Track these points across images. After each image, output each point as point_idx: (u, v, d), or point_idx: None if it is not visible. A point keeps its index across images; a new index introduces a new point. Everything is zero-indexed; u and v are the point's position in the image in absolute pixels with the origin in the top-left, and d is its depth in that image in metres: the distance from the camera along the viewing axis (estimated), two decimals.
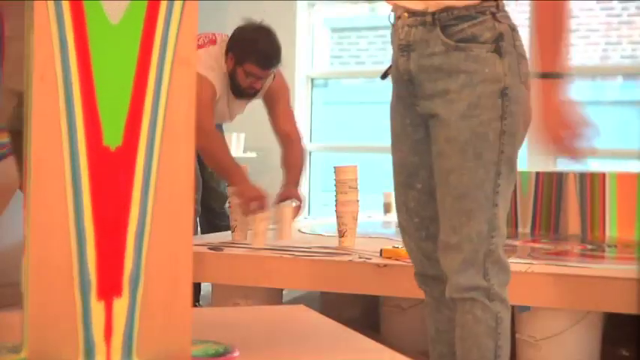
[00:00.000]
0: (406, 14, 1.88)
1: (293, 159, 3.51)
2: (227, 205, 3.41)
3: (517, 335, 2.71)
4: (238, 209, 3.19)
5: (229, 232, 3.31)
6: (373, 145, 5.96)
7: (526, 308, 2.65)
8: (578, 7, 6.26)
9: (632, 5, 6.05)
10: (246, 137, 5.57)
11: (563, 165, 1.89)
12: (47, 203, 1.04)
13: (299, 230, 3.74)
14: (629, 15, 6.28)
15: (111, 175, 1.06)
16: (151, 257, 1.08)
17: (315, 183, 6.19)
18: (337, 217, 3.10)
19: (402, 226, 2.05)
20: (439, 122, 1.86)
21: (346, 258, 2.81)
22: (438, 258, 1.95)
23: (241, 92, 3.41)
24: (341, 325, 1.41)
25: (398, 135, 1.99)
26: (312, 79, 6.20)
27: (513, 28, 1.86)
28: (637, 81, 6.55)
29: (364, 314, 3.36)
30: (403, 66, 1.90)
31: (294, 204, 3.27)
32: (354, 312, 3.32)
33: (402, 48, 1.89)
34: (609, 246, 3.43)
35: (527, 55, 1.89)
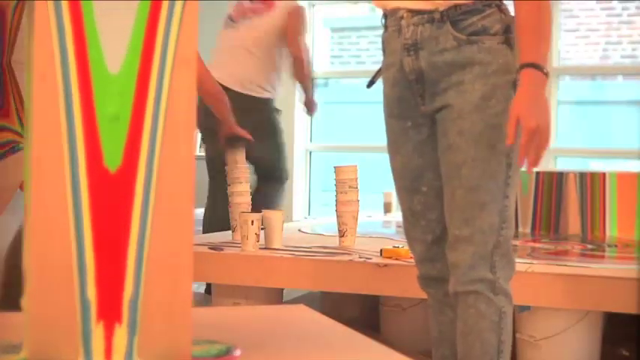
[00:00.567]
0: (410, 14, 1.88)
1: (299, 75, 4.17)
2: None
3: (517, 335, 2.71)
4: (238, 209, 3.19)
5: (229, 232, 3.31)
6: (373, 145, 5.96)
7: (526, 308, 2.65)
8: (578, 7, 6.26)
9: (632, 5, 6.05)
10: None
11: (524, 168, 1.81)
12: (47, 202, 1.04)
13: (299, 230, 3.74)
14: (629, 15, 6.28)
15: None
16: (152, 257, 1.08)
17: (315, 183, 6.19)
18: (337, 216, 3.10)
19: (407, 231, 2.03)
20: (451, 113, 1.85)
21: (346, 258, 2.81)
22: (442, 260, 1.94)
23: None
24: (341, 324, 1.41)
25: (397, 140, 1.98)
26: (312, 79, 6.19)
27: (513, 21, 1.86)
28: (637, 81, 6.55)
29: (364, 314, 3.36)
30: (410, 65, 1.88)
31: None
32: (354, 312, 3.32)
33: (408, 47, 1.88)
34: (609, 246, 3.43)
35: None
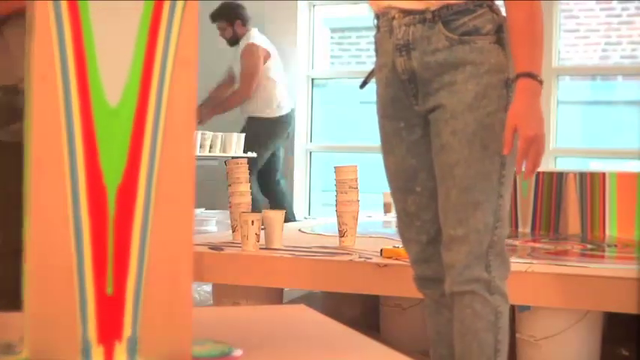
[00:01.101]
0: (401, 14, 1.88)
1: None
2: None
3: (517, 335, 2.71)
4: (238, 209, 3.19)
5: (230, 232, 3.31)
6: (373, 145, 5.95)
7: (526, 308, 2.65)
8: (577, 7, 6.26)
9: (631, 5, 6.05)
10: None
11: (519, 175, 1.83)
12: (47, 203, 1.04)
13: (299, 230, 3.74)
14: (628, 15, 6.29)
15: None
16: (152, 257, 1.08)
17: (315, 183, 6.19)
18: (337, 216, 3.10)
19: (401, 232, 2.03)
20: (444, 114, 1.85)
21: (346, 258, 2.81)
22: (438, 260, 1.94)
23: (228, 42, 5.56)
24: (341, 324, 1.41)
25: (390, 140, 1.98)
26: (312, 79, 6.20)
27: (505, 21, 1.87)
28: (637, 81, 6.55)
29: (364, 314, 3.37)
30: (403, 66, 1.89)
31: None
32: (354, 312, 3.32)
33: (400, 48, 1.88)
34: (609, 246, 3.44)
35: None
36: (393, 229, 3.90)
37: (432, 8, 1.84)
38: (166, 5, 1.08)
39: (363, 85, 2.06)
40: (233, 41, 5.53)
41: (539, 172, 3.90)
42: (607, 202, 3.72)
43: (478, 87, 1.82)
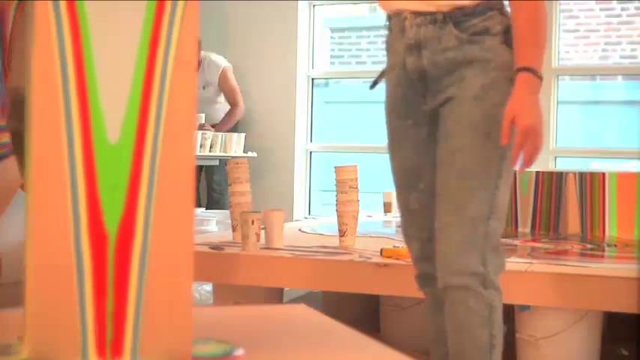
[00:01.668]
0: (413, 15, 1.90)
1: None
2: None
3: (517, 334, 2.72)
4: (238, 209, 3.20)
5: (230, 231, 3.32)
6: (373, 145, 5.96)
7: (526, 307, 2.65)
8: (577, 7, 6.26)
9: (631, 5, 6.06)
10: (246, 137, 5.58)
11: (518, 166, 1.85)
12: (48, 203, 1.04)
13: (299, 230, 3.74)
14: (628, 15, 6.29)
15: None
16: (152, 257, 1.08)
17: (315, 183, 6.19)
18: (338, 216, 3.10)
19: (404, 229, 2.05)
20: (452, 104, 1.88)
21: (346, 257, 2.82)
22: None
23: None
24: (341, 324, 1.42)
25: (397, 138, 2.00)
26: (313, 79, 6.20)
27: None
28: (636, 81, 6.55)
29: (364, 313, 3.37)
30: (413, 65, 1.91)
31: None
32: (354, 311, 3.32)
33: (411, 47, 1.91)
34: (609, 245, 3.44)
35: None
36: (393, 229, 3.90)
37: (444, 10, 1.87)
38: (168, 5, 1.08)
39: (374, 85, 2.09)
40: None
41: (538, 172, 3.91)
42: (607, 202, 3.72)
43: (486, 80, 1.86)
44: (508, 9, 1.91)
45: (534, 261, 2.78)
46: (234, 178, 3.25)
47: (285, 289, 3.17)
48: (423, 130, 1.96)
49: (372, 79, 2.10)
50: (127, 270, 1.07)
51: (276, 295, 3.08)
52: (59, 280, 1.04)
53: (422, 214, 1.98)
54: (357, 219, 3.11)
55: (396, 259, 2.73)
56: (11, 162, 2.50)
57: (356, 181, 3.11)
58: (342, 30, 7.62)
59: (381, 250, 2.84)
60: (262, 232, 3.06)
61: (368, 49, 7.59)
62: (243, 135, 5.50)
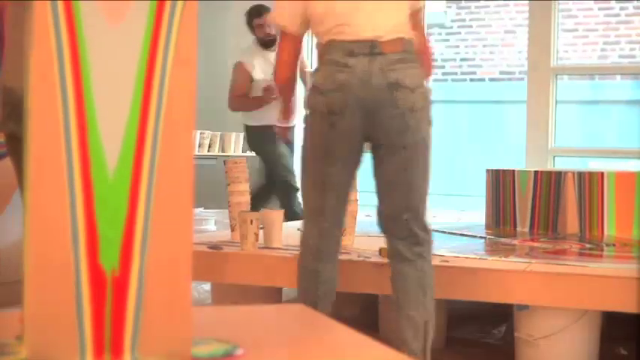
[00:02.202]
0: None
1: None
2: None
3: (515, 334, 2.72)
4: (237, 208, 3.20)
5: (229, 231, 3.32)
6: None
7: (525, 307, 2.66)
8: (576, 7, 6.27)
9: (630, 5, 6.06)
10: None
11: None
12: (46, 202, 1.04)
13: (298, 229, 3.74)
14: (627, 15, 6.29)
15: None
16: (152, 256, 1.08)
17: None
18: None
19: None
20: None
21: (345, 257, 2.81)
22: None
23: (264, 43, 4.87)
24: (340, 323, 1.42)
25: None
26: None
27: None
28: (635, 80, 6.56)
29: (363, 313, 3.37)
30: None
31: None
32: (352, 310, 3.32)
33: None
34: (607, 245, 3.44)
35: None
36: None
37: None
38: (167, 5, 1.08)
39: None
40: (271, 42, 4.83)
41: (537, 172, 3.91)
42: (605, 202, 3.73)
43: None
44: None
45: (533, 261, 2.79)
46: (232, 177, 3.25)
47: (284, 288, 3.17)
48: None
49: None
50: (127, 270, 1.07)
51: (274, 295, 3.08)
52: (58, 280, 1.04)
53: None
54: (355, 219, 3.11)
55: None
56: (10, 161, 2.49)
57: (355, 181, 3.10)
58: None
59: (380, 249, 2.84)
60: (261, 232, 3.06)
61: None
62: (242, 134, 5.50)
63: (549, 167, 4.94)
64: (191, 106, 1.10)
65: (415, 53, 2.33)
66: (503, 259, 2.88)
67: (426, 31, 3.90)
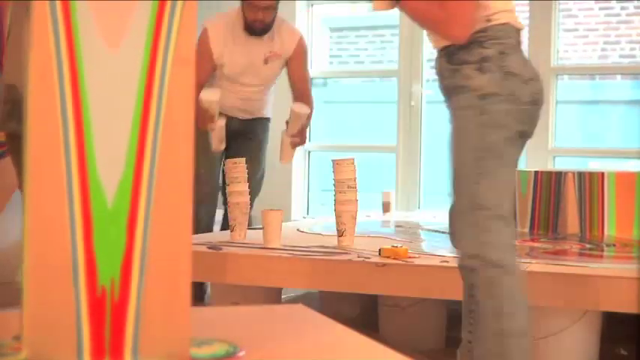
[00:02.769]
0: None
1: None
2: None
3: None
4: (237, 208, 3.20)
5: (229, 231, 3.31)
6: (372, 144, 5.95)
7: None
8: (576, 6, 6.26)
9: (630, 5, 6.05)
10: None
11: None
12: (45, 202, 1.04)
13: (298, 229, 3.74)
14: (627, 14, 6.29)
15: None
16: (151, 256, 1.08)
17: (313, 182, 6.19)
18: (336, 216, 3.10)
19: None
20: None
21: (345, 257, 2.81)
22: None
23: (252, 27, 3.74)
24: (340, 324, 1.41)
25: None
26: (312, 79, 6.19)
27: (502, 52, 2.18)
28: (635, 80, 6.56)
29: (363, 313, 3.37)
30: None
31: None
32: (352, 311, 3.32)
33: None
34: (608, 245, 3.44)
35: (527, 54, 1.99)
36: (392, 229, 3.90)
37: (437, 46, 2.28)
38: (168, 5, 1.08)
39: None
40: (260, 30, 3.79)
41: (537, 172, 3.90)
42: (606, 202, 3.72)
43: (462, 102, 2.21)
44: (499, 34, 2.18)
45: (533, 261, 2.78)
46: (232, 177, 3.25)
47: (284, 288, 3.17)
48: None
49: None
50: (127, 270, 1.07)
51: (274, 295, 3.08)
52: (57, 280, 1.04)
53: None
54: (355, 219, 3.11)
55: (395, 259, 2.73)
56: (10, 161, 2.48)
57: (354, 180, 3.10)
58: (341, 30, 7.62)
59: (380, 249, 2.83)
60: (260, 232, 3.06)
61: (366, 49, 7.59)
62: None
63: (549, 167, 4.94)
64: (190, 105, 1.10)
65: None
66: None
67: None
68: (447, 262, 2.74)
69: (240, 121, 3.93)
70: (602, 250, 3.32)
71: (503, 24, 2.21)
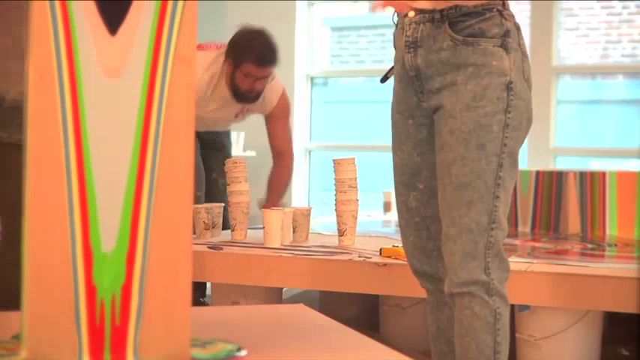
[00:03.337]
0: (413, 12, 1.90)
1: (277, 182, 3.79)
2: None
3: (517, 334, 2.71)
4: (237, 208, 3.19)
5: (229, 231, 3.31)
6: (373, 143, 5.95)
7: (526, 307, 2.65)
8: (578, 5, 6.26)
9: (632, 4, 6.05)
10: (246, 136, 5.57)
11: None
12: (45, 201, 1.04)
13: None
14: (629, 13, 6.28)
15: None
16: (151, 256, 1.07)
17: (314, 182, 6.19)
18: (337, 216, 3.09)
19: (401, 226, 2.06)
20: (444, 114, 1.87)
21: (346, 257, 2.81)
22: (437, 257, 1.95)
23: (242, 96, 3.55)
24: (340, 324, 1.41)
25: (400, 135, 2.00)
26: (312, 78, 6.19)
27: (518, 27, 1.89)
28: (637, 80, 6.55)
29: (363, 313, 3.36)
30: (410, 62, 1.92)
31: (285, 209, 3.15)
32: (353, 311, 3.32)
33: (409, 45, 1.91)
34: (609, 245, 3.43)
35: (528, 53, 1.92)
36: (392, 228, 3.90)
37: (440, 8, 1.86)
38: (169, 5, 1.08)
39: (384, 79, 2.09)
40: (249, 98, 3.61)
41: (538, 171, 3.90)
42: (607, 202, 3.72)
43: (477, 88, 1.84)
44: (511, 10, 1.90)
45: (534, 261, 2.78)
46: (232, 177, 3.25)
47: (284, 288, 3.16)
48: (422, 131, 1.96)
49: (383, 75, 2.12)
50: (127, 270, 1.07)
51: (274, 295, 3.08)
52: (57, 280, 1.04)
53: (420, 212, 1.99)
54: (356, 218, 3.11)
55: (396, 258, 2.73)
56: None
57: (355, 180, 3.10)
58: (342, 29, 7.62)
59: (381, 249, 2.83)
60: (261, 232, 3.06)
61: (367, 48, 7.59)
62: (242, 134, 5.49)
63: (551, 167, 4.94)
64: (191, 105, 1.10)
65: None
66: None
67: None
68: None
69: (208, 133, 3.82)
70: (604, 250, 3.32)
71: None
